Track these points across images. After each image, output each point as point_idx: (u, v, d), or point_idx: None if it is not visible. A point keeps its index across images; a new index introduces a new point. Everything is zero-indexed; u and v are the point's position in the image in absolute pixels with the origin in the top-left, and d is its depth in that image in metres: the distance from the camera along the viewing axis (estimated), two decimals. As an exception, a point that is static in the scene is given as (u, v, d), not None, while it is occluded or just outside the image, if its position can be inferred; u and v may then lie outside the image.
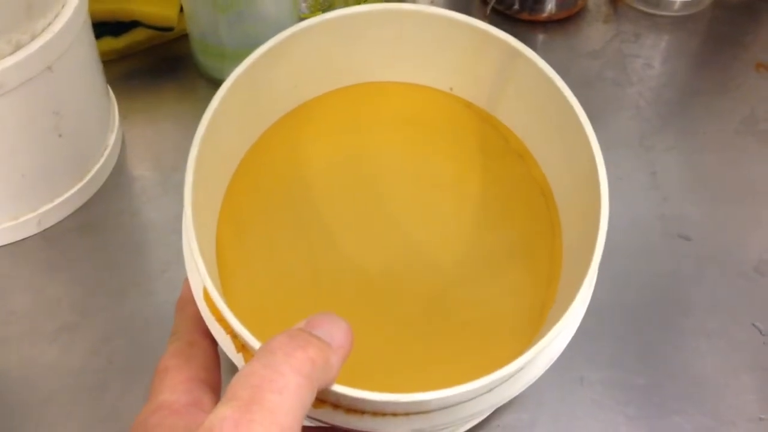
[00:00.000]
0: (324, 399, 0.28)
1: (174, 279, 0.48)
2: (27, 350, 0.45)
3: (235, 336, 0.29)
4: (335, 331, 0.25)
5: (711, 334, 0.47)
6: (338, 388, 0.26)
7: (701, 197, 0.53)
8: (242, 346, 0.29)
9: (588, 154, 0.31)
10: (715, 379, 0.45)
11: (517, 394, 0.31)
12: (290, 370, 0.23)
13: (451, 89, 0.37)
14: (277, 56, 0.33)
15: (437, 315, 0.33)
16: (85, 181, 0.50)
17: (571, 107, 0.32)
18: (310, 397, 0.23)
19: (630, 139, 0.55)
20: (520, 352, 0.28)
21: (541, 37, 0.61)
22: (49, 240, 0.50)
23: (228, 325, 0.28)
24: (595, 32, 0.62)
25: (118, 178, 0.52)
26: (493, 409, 0.31)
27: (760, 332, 0.47)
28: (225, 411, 0.22)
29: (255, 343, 0.26)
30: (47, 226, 0.50)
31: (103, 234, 0.50)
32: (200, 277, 0.28)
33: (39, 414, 0.43)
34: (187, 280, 0.31)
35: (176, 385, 0.28)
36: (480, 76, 0.36)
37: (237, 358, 0.30)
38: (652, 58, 0.60)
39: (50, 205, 0.49)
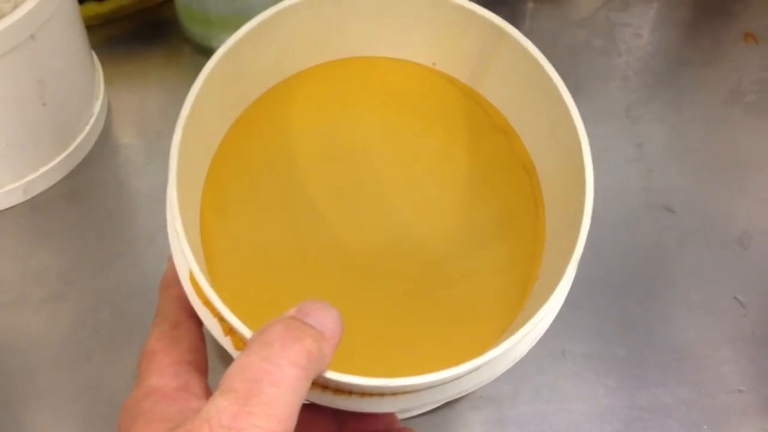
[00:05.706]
0: (313, 381, 0.29)
1: (160, 248, 0.48)
2: (13, 319, 0.45)
3: (222, 319, 0.29)
4: (327, 320, 0.25)
5: (692, 306, 0.47)
6: (328, 374, 0.26)
7: (686, 169, 0.53)
8: (230, 330, 0.29)
9: (572, 133, 0.31)
10: (696, 351, 0.46)
11: (502, 372, 0.31)
12: (288, 362, 0.23)
13: (434, 64, 0.37)
14: (262, 33, 0.33)
15: (422, 291, 0.33)
16: (70, 149, 0.50)
17: (555, 86, 0.32)
18: (306, 388, 0.23)
19: (616, 110, 0.55)
20: (506, 327, 0.28)
21: (530, 4, 0.61)
22: (36, 209, 0.50)
23: (215, 308, 0.28)
24: (585, 0, 0.62)
25: (103, 146, 0.52)
26: (479, 387, 0.31)
27: (742, 305, 0.47)
28: (222, 402, 0.22)
29: (246, 331, 0.26)
30: (33, 194, 0.50)
31: (89, 203, 0.50)
32: (186, 261, 0.28)
33: (24, 383, 0.43)
34: (171, 260, 0.31)
35: (164, 369, 0.28)
36: (463, 51, 0.35)
37: (225, 342, 0.30)
38: (641, 27, 0.60)
39: (35, 174, 0.49)
